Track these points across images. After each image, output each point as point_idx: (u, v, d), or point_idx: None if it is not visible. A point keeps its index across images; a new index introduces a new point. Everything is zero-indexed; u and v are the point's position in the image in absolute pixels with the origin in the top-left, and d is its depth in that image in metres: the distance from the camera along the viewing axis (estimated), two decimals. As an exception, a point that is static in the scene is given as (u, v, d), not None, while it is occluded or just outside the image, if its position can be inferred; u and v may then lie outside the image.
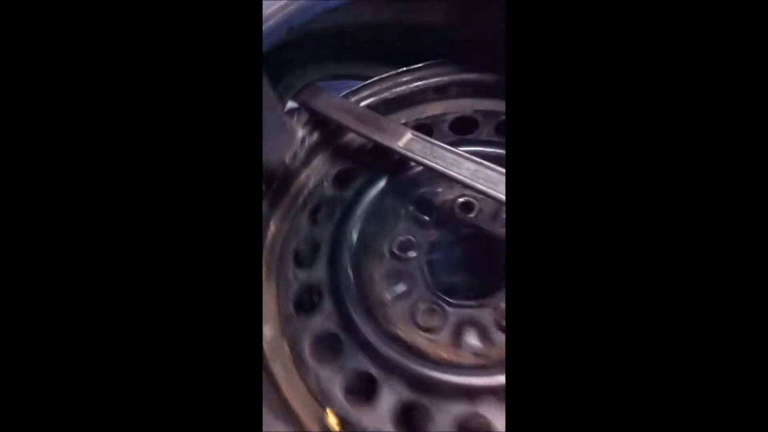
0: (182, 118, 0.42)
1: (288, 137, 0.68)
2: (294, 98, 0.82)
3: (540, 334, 0.39)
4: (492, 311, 0.68)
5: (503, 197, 0.60)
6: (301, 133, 0.71)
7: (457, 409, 0.61)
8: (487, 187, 0.62)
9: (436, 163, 0.66)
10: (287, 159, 0.68)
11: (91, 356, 0.40)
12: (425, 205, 0.78)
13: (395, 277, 0.74)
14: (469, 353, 0.66)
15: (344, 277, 0.71)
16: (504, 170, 0.62)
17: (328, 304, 0.70)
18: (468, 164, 0.64)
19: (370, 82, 0.86)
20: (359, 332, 0.66)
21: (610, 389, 0.38)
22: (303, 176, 0.85)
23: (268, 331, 0.72)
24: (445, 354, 0.66)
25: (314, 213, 0.81)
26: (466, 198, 0.77)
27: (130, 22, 0.42)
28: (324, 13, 0.81)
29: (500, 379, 0.61)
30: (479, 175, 0.63)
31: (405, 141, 0.70)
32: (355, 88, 0.87)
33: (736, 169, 0.38)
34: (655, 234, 0.39)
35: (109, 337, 0.40)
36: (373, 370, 0.65)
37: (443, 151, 0.67)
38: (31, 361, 0.39)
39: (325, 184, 0.82)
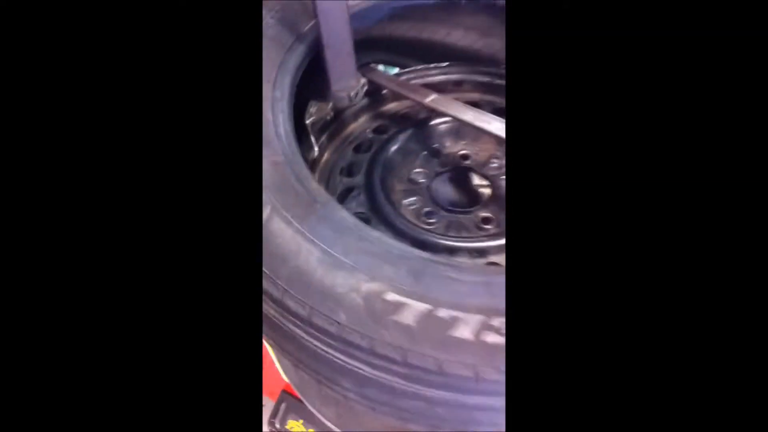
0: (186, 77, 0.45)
1: (354, 80, 1.04)
2: (355, 71, 1.18)
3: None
4: (472, 217, 1.01)
5: (493, 130, 0.95)
6: (363, 79, 1.06)
7: (442, 260, 0.93)
8: (483, 125, 0.97)
9: (450, 112, 1.02)
10: (351, 95, 1.04)
11: (84, 325, 0.40)
12: (435, 151, 1.13)
13: (409, 192, 1.07)
14: (454, 235, 0.98)
15: (375, 183, 1.04)
16: (493, 116, 0.97)
17: (362, 196, 1.03)
18: (471, 112, 1.00)
19: (407, 71, 1.23)
20: (382, 213, 0.98)
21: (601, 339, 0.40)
22: (351, 127, 1.20)
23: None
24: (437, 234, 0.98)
25: (357, 148, 1.15)
26: (464, 151, 1.12)
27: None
28: (386, 19, 1.19)
29: (473, 244, 0.93)
30: (478, 118, 0.98)
31: (431, 98, 1.05)
32: (395, 73, 1.24)
33: (734, 168, 0.39)
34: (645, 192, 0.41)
35: (106, 307, 0.40)
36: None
37: (455, 105, 1.02)
38: (28, 360, 0.39)
39: (368, 131, 1.18)
